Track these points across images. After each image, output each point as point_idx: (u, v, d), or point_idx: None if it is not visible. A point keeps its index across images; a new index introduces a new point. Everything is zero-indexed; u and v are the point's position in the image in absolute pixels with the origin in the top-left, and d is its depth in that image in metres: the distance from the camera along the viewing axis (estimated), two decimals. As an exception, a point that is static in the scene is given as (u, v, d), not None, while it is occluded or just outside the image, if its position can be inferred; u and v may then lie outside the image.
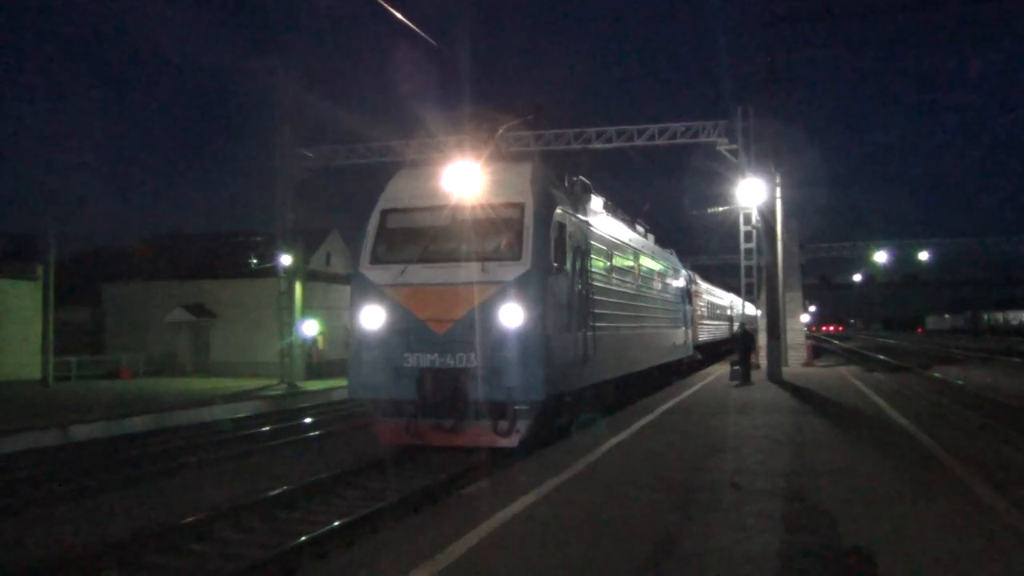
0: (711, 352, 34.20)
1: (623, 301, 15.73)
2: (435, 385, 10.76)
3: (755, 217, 27.77)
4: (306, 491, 9.83)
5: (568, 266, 11.97)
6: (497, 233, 11.39)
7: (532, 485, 8.05)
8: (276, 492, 9.50)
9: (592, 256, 13.51)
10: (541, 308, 10.77)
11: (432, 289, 11.10)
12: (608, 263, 14.85)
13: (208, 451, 14.38)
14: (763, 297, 26.58)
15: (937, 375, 29.26)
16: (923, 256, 79.80)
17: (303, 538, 7.60)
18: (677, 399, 17.35)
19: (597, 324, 13.36)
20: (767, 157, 24.79)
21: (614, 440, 11.20)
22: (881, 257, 78.14)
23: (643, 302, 18.01)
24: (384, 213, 12.08)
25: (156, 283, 39.54)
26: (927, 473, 8.55)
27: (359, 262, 11.81)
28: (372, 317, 11.25)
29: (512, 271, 10.88)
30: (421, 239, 11.70)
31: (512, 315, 10.65)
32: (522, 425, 10.78)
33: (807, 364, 29.64)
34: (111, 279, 40.87)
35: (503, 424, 10.75)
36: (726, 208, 30.19)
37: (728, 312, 42.80)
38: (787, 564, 5.39)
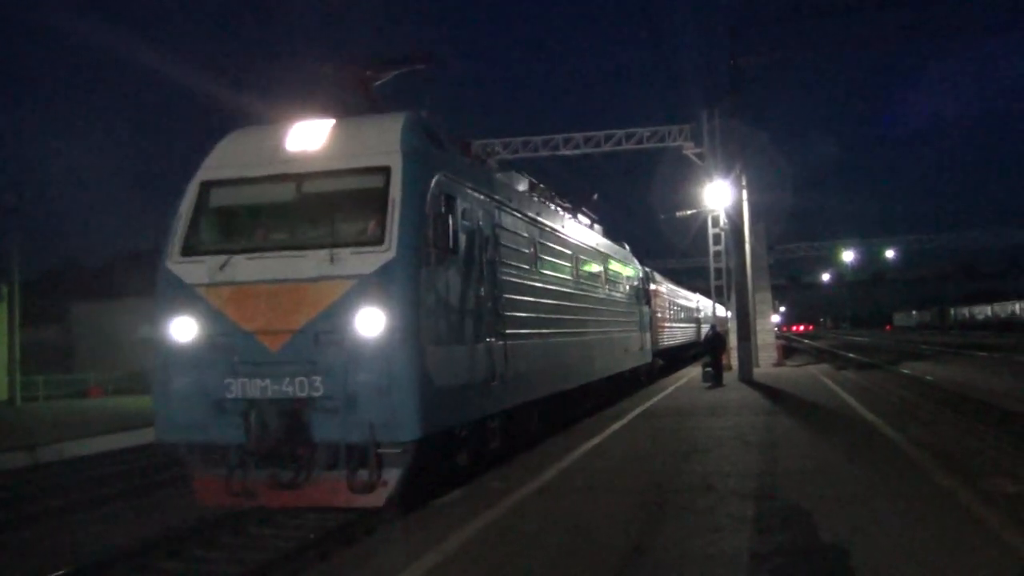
0: (676, 358, 32.42)
1: (554, 302, 12.92)
2: (267, 423, 7.73)
3: (723, 219, 28.02)
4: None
5: (463, 254, 8.99)
6: (355, 210, 8.52)
7: (505, 492, 8.05)
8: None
9: (505, 245, 10.59)
10: (413, 311, 7.81)
11: (264, 288, 8.09)
12: (531, 255, 11.91)
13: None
14: (733, 298, 26.77)
15: (906, 371, 29.63)
16: (889, 254, 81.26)
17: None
18: (650, 403, 17.41)
19: (512, 331, 10.40)
20: (733, 160, 25.02)
21: (587, 444, 11.21)
22: (848, 256, 79.43)
23: (583, 303, 15.08)
24: (204, 187, 8.90)
25: (125, 300, 39.06)
26: (896, 469, 8.65)
27: (165, 254, 8.67)
28: (181, 329, 8.23)
29: (372, 261, 7.86)
30: (253, 221, 8.91)
31: (371, 321, 7.67)
32: (391, 476, 7.68)
33: (778, 364, 29.88)
34: (80, 297, 40.38)
35: (363, 475, 7.65)
36: (694, 211, 30.44)
37: (695, 314, 41.64)
38: (761, 564, 5.41)
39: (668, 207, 35.65)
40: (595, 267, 16.68)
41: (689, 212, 30.78)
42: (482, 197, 10.03)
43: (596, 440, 11.74)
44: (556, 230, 13.69)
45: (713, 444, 10.92)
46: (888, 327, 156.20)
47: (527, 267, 11.64)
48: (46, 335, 38.26)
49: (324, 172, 8.58)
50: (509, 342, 10.24)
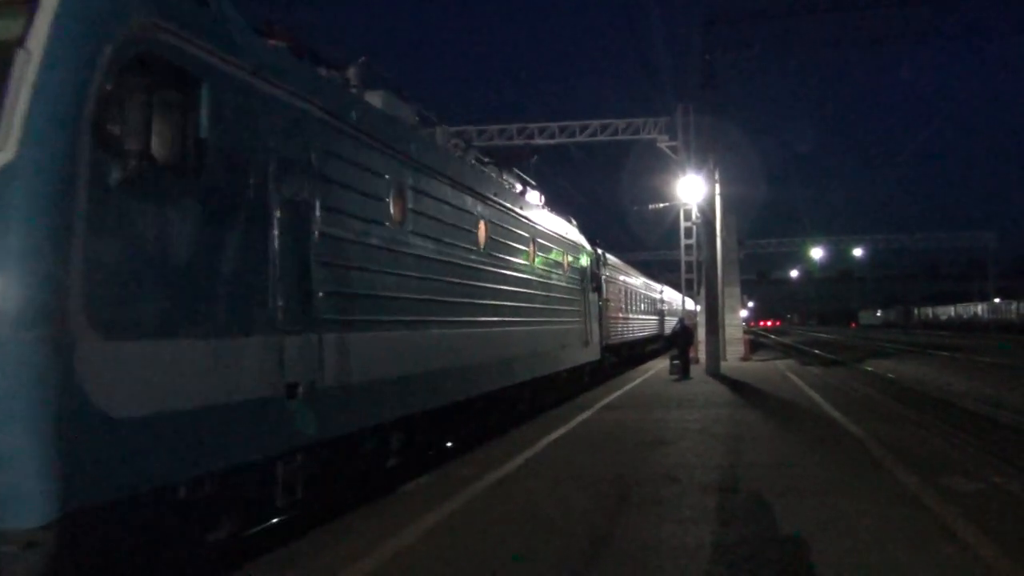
0: (634, 354, 30.33)
1: (439, 279, 9.33)
2: None
3: (695, 213, 28.17)
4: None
5: (218, 180, 5.47)
6: None
7: (473, 479, 8.04)
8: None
9: (339, 183, 7.03)
10: (50, 268, 4.15)
11: None
12: (394, 207, 8.19)
13: None
14: (702, 292, 26.94)
15: (869, 369, 30.03)
16: (857, 252, 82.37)
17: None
18: (618, 393, 17.49)
19: (340, 317, 6.92)
20: (707, 154, 25.15)
21: (554, 434, 11.23)
22: (817, 253, 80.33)
23: (493, 283, 11.43)
24: None
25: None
26: (858, 465, 8.75)
27: None
28: None
29: None
30: None
31: None
32: None
33: (745, 359, 30.16)
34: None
35: None
36: (666, 204, 30.58)
37: (659, 305, 39.54)
38: (723, 555, 5.45)
39: (641, 199, 35.85)
40: (518, 240, 12.93)
41: (662, 205, 30.93)
42: (283, 96, 6.29)
43: (562, 430, 11.76)
44: (451, 182, 9.95)
45: (678, 436, 10.99)
46: (853, 324, 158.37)
47: (383, 223, 7.94)
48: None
49: None
50: (331, 334, 6.69)
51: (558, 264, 15.87)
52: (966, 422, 14.36)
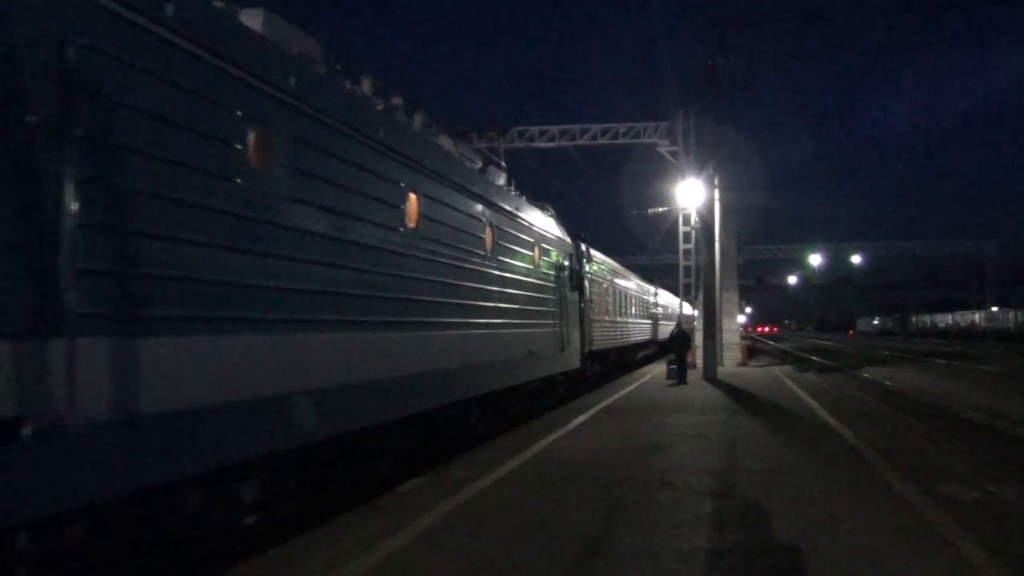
0: (624, 361, 28.56)
1: (345, 266, 7.21)
2: None
3: (694, 218, 28.18)
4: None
5: None
6: None
7: (467, 482, 8.04)
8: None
9: (143, 111, 4.83)
10: None
11: None
12: (244, 156, 5.83)
13: None
14: (700, 297, 26.95)
15: (866, 376, 30.05)
16: (856, 259, 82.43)
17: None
18: (616, 396, 17.49)
19: (138, 312, 4.74)
20: (707, 159, 25.17)
21: (551, 437, 11.23)
22: (816, 260, 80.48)
23: (434, 275, 9.35)
24: None
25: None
26: (853, 472, 8.75)
27: None
28: None
29: None
30: None
31: None
32: None
33: (742, 364, 30.15)
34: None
35: None
36: (665, 209, 30.60)
37: (652, 309, 37.73)
38: (717, 561, 5.45)
39: (640, 204, 35.84)
40: (467, 225, 10.71)
41: (661, 209, 30.93)
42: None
43: (559, 433, 11.76)
44: (354, 131, 7.53)
45: (675, 441, 10.99)
46: (851, 331, 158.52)
47: (227, 178, 5.61)
48: None
49: None
50: (98, 339, 4.40)
51: (528, 257, 13.77)
52: (962, 430, 14.38)
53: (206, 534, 5.77)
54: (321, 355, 6.74)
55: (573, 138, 29.92)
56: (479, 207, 11.36)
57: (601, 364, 22.81)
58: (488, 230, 11.60)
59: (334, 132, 7.15)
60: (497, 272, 11.92)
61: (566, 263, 16.69)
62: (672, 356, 23.18)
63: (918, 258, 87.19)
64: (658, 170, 30.55)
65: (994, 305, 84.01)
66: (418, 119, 10.20)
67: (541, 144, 29.78)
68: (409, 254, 8.67)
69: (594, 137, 29.83)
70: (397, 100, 9.67)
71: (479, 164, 12.65)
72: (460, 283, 10.28)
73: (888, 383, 26.46)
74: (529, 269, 13.70)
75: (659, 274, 54.44)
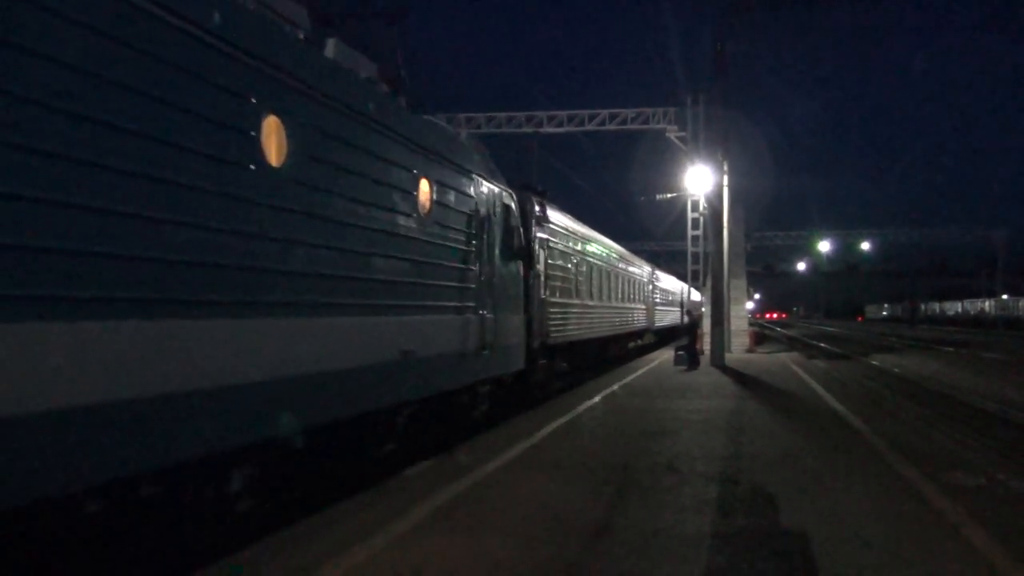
0: (607, 356, 23.87)
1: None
2: None
3: (702, 204, 28.10)
4: None
5: None
6: None
7: (473, 466, 8.07)
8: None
9: None
10: None
11: None
12: None
13: None
14: (708, 283, 26.90)
15: (875, 363, 29.99)
16: (865, 246, 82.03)
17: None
18: (623, 381, 17.50)
19: None
20: (716, 145, 25.06)
21: (559, 420, 11.26)
22: (825, 247, 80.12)
23: (278, 230, 5.74)
24: None
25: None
26: (860, 459, 8.75)
27: None
28: None
29: None
30: None
31: None
32: None
33: (750, 351, 30.11)
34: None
35: None
36: (674, 195, 30.52)
37: (647, 290, 31.94)
38: (722, 544, 5.47)
39: (649, 190, 35.77)
40: (342, 159, 6.76)
41: (669, 195, 30.86)
42: None
43: (566, 418, 11.78)
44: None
45: (681, 426, 11.00)
46: (860, 318, 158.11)
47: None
48: None
49: None
50: None
51: (442, 212, 9.03)
52: (969, 417, 14.36)
53: (217, 517, 5.69)
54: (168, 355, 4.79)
55: (581, 123, 29.84)
56: (419, 162, 8.18)
57: (566, 362, 17.41)
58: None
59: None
60: (425, 236, 8.34)
61: (498, 221, 11.24)
62: (681, 343, 23.13)
63: (929, 246, 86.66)
64: (667, 156, 30.48)
65: (1004, 294, 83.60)
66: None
67: (549, 129, 29.71)
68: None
69: (602, 123, 29.74)
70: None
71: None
72: (389, 257, 7.31)
73: (896, 370, 26.39)
74: (414, 226, 8.21)
75: (667, 260, 54.36)
